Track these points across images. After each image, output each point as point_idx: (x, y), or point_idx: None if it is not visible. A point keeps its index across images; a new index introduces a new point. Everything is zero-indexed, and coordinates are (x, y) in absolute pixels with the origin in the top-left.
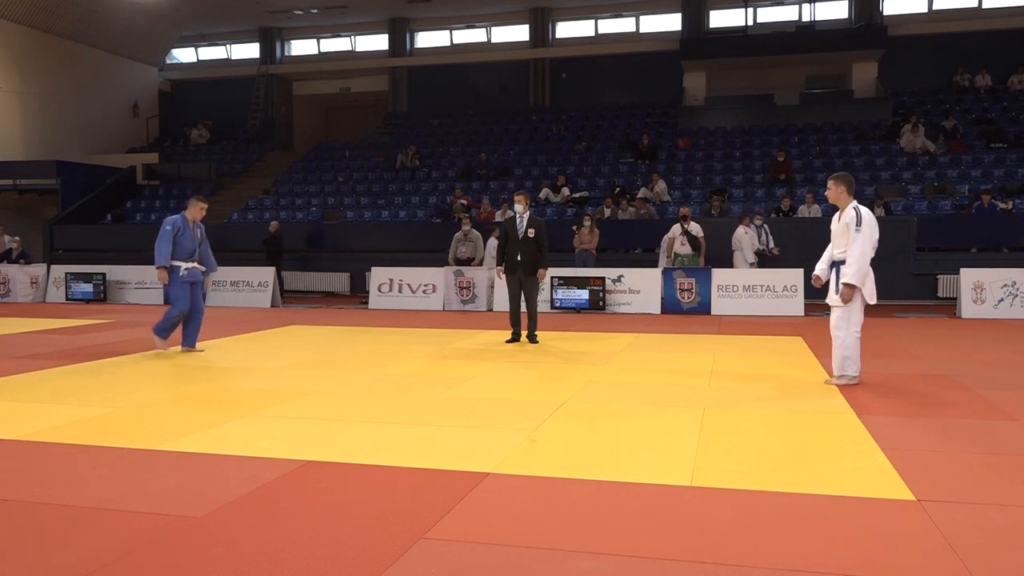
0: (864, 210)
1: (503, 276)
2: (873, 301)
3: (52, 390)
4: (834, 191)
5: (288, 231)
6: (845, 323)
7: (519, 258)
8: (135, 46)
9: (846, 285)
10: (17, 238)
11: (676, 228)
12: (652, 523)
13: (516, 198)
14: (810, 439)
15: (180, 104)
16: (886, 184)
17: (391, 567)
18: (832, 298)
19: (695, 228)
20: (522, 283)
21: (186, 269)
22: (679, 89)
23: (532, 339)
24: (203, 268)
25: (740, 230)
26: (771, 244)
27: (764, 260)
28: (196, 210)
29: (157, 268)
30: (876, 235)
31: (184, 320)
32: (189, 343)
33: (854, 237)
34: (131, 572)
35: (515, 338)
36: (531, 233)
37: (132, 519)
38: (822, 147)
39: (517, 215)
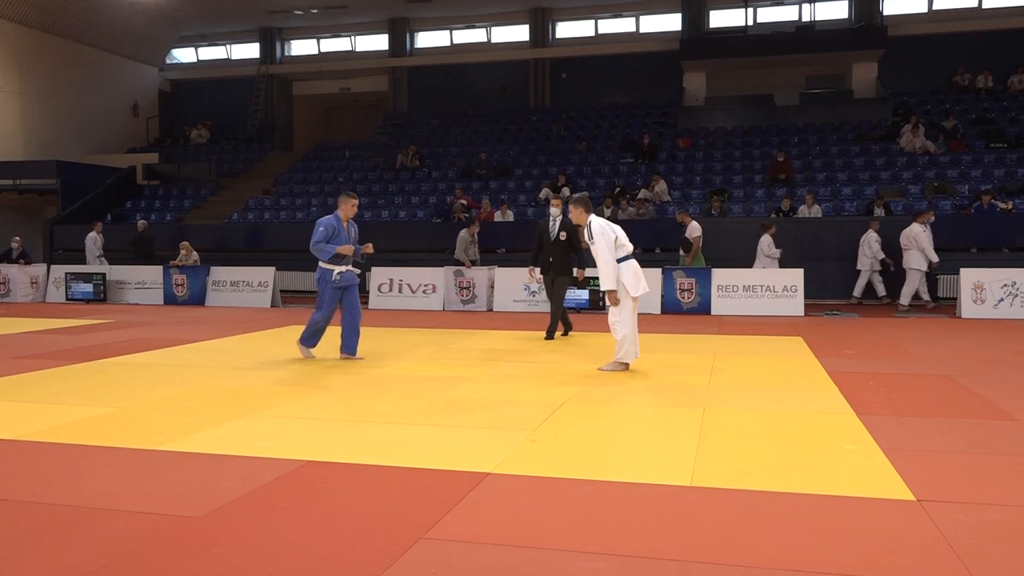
0: (595, 223)
1: (534, 275)
2: (636, 292)
3: (52, 390)
4: (575, 214)
5: (289, 231)
6: (618, 318)
7: (551, 260)
8: (135, 46)
9: (607, 292)
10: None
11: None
12: (652, 523)
13: (553, 202)
14: (810, 439)
15: (180, 104)
16: (886, 184)
17: (391, 567)
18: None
19: (690, 228)
20: (553, 283)
21: (339, 273)
22: (679, 89)
23: (550, 335)
24: (357, 270)
25: (917, 227)
26: None
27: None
28: (348, 207)
29: (340, 250)
30: (611, 235)
31: (342, 327)
32: (349, 351)
33: (595, 251)
34: (131, 572)
35: (555, 335)
36: (563, 236)
37: (132, 519)
38: (822, 147)
39: (552, 218)
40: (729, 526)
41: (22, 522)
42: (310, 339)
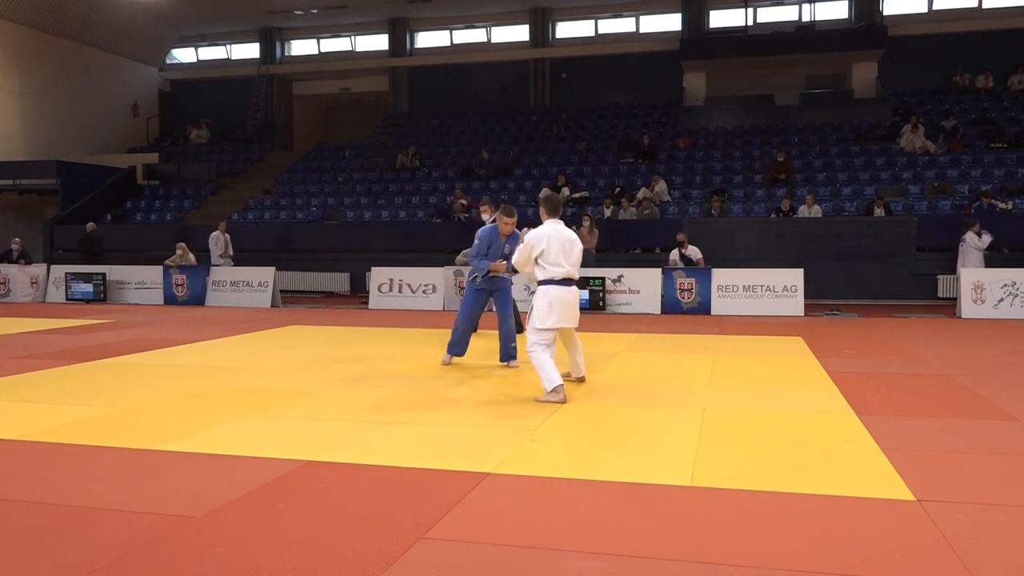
0: (537, 230)
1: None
2: (543, 325)
3: (52, 390)
4: (541, 212)
5: (289, 231)
6: (529, 348)
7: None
8: (135, 46)
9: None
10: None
11: (674, 253)
12: (652, 523)
13: (482, 208)
14: (810, 439)
15: (180, 104)
16: (886, 184)
17: (391, 567)
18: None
19: (693, 252)
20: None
21: (481, 277)
22: (679, 89)
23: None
24: (509, 275)
25: None
26: None
27: None
28: (501, 224)
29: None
30: (531, 248)
31: (500, 333)
32: (503, 358)
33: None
34: (131, 572)
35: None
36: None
37: (132, 519)
38: (822, 147)
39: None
40: (729, 526)
41: (22, 522)
42: (453, 346)
